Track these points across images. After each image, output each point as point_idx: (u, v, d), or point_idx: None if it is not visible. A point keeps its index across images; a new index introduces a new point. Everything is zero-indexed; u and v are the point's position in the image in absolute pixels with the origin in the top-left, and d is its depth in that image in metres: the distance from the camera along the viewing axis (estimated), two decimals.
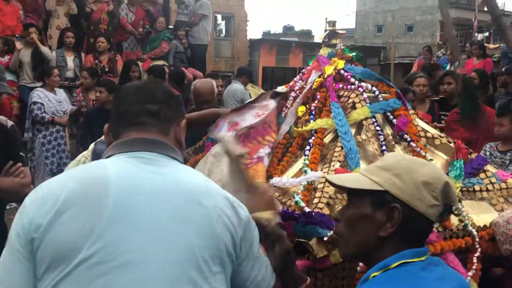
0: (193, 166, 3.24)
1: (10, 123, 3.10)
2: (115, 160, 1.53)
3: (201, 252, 1.41)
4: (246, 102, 2.94)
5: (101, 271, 1.35)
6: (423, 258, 1.60)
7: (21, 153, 3.14)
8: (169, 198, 1.45)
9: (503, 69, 8.77)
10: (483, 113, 5.55)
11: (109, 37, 9.04)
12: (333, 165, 2.49)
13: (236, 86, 9.22)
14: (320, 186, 2.41)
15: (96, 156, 2.78)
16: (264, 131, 2.81)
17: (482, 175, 2.68)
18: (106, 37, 8.89)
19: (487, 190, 2.62)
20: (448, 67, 10.93)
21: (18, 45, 8.01)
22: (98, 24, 9.15)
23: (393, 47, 16.94)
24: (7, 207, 4.77)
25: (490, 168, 2.76)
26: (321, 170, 2.52)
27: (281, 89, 3.15)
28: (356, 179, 1.65)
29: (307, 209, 2.27)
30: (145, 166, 1.49)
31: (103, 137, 1.98)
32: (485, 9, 37.53)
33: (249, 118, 2.86)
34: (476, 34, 28.22)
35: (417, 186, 1.57)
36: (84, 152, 3.03)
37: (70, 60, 8.62)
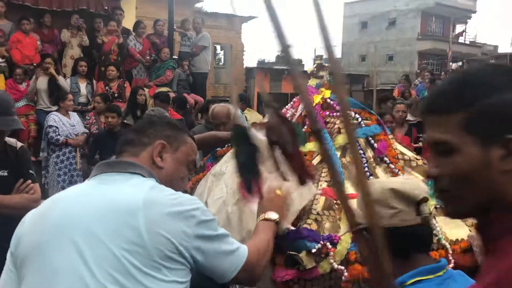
0: (195, 185, 3.26)
1: (19, 144, 3.11)
2: (85, 182, 1.82)
3: (127, 258, 1.49)
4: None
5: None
6: (440, 273, 1.58)
7: (30, 171, 3.13)
8: (101, 212, 1.56)
9: None
10: None
11: (118, 66, 9.11)
12: (321, 185, 2.51)
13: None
14: (308, 203, 2.44)
15: None
16: None
17: None
18: (115, 66, 8.97)
19: None
20: (426, 93, 10.99)
21: (40, 74, 8.07)
22: (109, 54, 9.22)
23: (375, 75, 16.98)
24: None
25: None
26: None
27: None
28: None
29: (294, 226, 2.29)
30: (99, 186, 1.68)
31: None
32: (459, 41, 37.87)
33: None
34: (450, 63, 28.51)
35: None
36: None
37: (83, 86, 8.68)
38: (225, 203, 2.70)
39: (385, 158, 2.75)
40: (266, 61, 34.52)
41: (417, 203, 1.60)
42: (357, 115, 2.91)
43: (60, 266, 1.52)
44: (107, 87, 8.76)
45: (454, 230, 2.55)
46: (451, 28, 39.27)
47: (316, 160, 2.76)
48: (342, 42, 39.94)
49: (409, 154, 2.87)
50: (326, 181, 2.54)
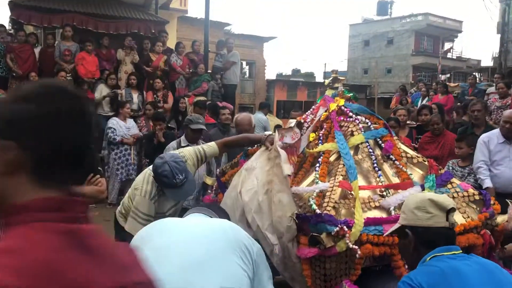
0: (230, 178, 3.28)
1: None
2: None
3: None
4: (291, 124, 2.97)
5: None
6: (452, 252, 1.73)
7: (99, 168, 3.21)
8: None
9: (458, 103, 8.73)
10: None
11: (164, 79, 9.20)
12: (337, 178, 2.51)
13: (260, 115, 9.34)
14: (328, 193, 2.44)
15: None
16: (292, 152, 2.84)
17: (449, 186, 2.67)
18: (161, 78, 9.06)
19: (453, 197, 2.59)
20: (420, 101, 10.85)
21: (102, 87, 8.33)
22: (156, 69, 9.32)
23: (376, 86, 16.86)
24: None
25: (455, 180, 2.75)
26: (328, 182, 2.55)
27: (292, 123, 3.15)
28: (394, 226, 1.94)
29: (318, 211, 2.30)
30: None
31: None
32: (447, 56, 37.16)
33: (288, 137, 2.88)
34: (440, 75, 27.99)
35: (412, 211, 1.77)
36: (147, 168, 3.10)
37: (135, 96, 8.77)
38: (256, 193, 2.72)
39: (391, 156, 2.73)
40: (283, 74, 34.49)
41: (447, 212, 1.78)
42: (367, 120, 2.90)
43: None
44: (155, 96, 8.87)
45: None
46: (440, 45, 38.63)
47: (332, 158, 2.77)
48: (348, 58, 39.60)
49: (411, 152, 2.86)
50: (342, 175, 2.54)
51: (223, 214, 2.12)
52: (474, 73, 14.39)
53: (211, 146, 3.28)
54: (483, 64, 35.49)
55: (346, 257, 2.33)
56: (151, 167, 3.04)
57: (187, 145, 4.83)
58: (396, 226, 1.89)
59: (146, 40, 9.59)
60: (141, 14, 10.17)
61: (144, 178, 3.00)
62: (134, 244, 1.72)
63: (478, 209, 2.62)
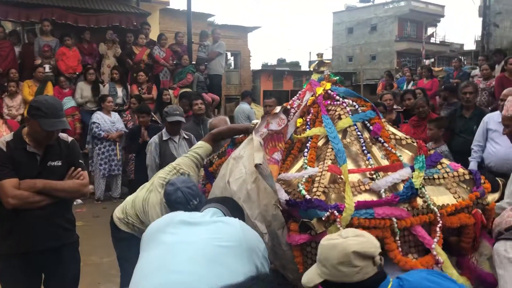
0: (218, 167, 3.22)
1: (70, 138, 3.08)
2: None
3: None
4: (277, 111, 2.89)
5: None
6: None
7: (80, 161, 3.10)
8: None
9: (443, 87, 8.73)
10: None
11: (147, 72, 9.08)
12: (326, 163, 2.46)
13: (244, 106, 9.26)
14: (317, 178, 2.39)
15: None
16: (279, 138, 2.78)
17: (439, 166, 2.63)
18: (145, 72, 8.94)
19: (444, 177, 2.57)
20: (405, 86, 10.87)
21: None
22: (139, 63, 9.19)
23: (361, 73, 16.87)
24: (74, 203, 4.77)
25: (444, 160, 2.72)
26: (317, 167, 2.49)
27: (277, 109, 3.09)
28: (312, 276, 1.72)
29: (308, 196, 2.25)
30: None
31: None
32: (431, 41, 37.38)
33: (274, 124, 2.81)
34: (424, 60, 28.15)
35: (336, 268, 1.61)
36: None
37: (119, 90, 8.67)
38: (245, 181, 2.65)
39: (380, 138, 2.68)
40: (269, 64, 34.36)
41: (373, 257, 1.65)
42: (354, 103, 2.85)
43: None
44: (139, 88, 8.77)
45: (440, 197, 2.50)
46: (423, 30, 38.85)
47: (321, 142, 2.72)
48: (332, 45, 39.65)
49: (400, 134, 2.81)
50: (330, 159, 2.49)
51: (237, 211, 2.20)
52: (459, 57, 14.41)
53: (201, 146, 3.25)
54: (466, 48, 35.81)
55: None
56: (157, 187, 3.01)
57: (169, 138, 4.77)
58: (317, 279, 1.68)
59: (129, 33, 9.45)
60: (122, 6, 10.01)
61: (156, 204, 2.97)
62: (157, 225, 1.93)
63: (468, 188, 2.60)
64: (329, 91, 2.96)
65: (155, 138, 4.83)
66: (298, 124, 2.94)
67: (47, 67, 8.29)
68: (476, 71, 9.99)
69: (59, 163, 2.94)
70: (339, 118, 2.75)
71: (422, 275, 1.70)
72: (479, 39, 26.57)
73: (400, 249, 2.29)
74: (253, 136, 2.73)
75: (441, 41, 39.76)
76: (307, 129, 2.81)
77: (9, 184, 2.73)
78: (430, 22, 40.11)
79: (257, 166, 2.51)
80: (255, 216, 2.45)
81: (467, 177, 2.62)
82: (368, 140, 2.70)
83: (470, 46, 34.41)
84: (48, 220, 2.90)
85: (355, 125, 2.72)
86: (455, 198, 2.51)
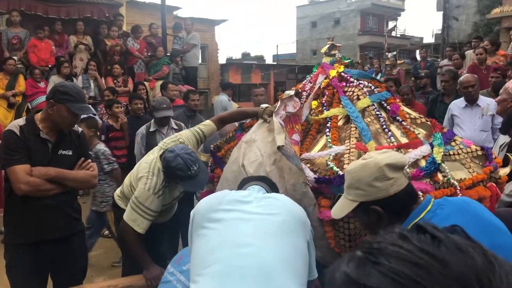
0: (227, 152, 3.23)
1: (80, 129, 3.04)
2: None
3: None
4: (291, 93, 2.91)
5: None
6: (428, 208, 1.60)
7: (89, 152, 3.08)
8: None
9: (423, 73, 9.06)
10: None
11: (122, 64, 8.90)
12: (352, 141, 2.53)
13: (222, 97, 9.20)
14: (346, 155, 2.45)
15: None
16: (295, 120, 2.82)
17: (453, 143, 2.74)
18: (119, 64, 8.76)
19: (458, 154, 2.68)
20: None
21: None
22: (113, 55, 8.99)
23: None
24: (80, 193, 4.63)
25: (457, 138, 2.84)
26: (343, 145, 2.56)
27: (291, 92, 3.12)
28: (342, 206, 1.73)
29: (341, 172, 2.31)
30: None
31: None
32: (392, 34, 38.31)
33: (290, 106, 2.86)
34: (386, 53, 28.85)
35: (371, 185, 1.60)
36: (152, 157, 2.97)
37: (92, 83, 8.45)
38: (262, 164, 2.69)
39: (397, 117, 2.77)
40: (233, 58, 34.22)
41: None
42: (370, 84, 2.93)
43: None
44: (115, 81, 8.59)
45: (457, 172, 2.62)
46: (385, 24, 39.83)
47: (340, 122, 2.78)
48: (296, 39, 40.00)
49: (414, 114, 2.91)
50: (355, 137, 2.56)
51: (275, 188, 2.23)
52: (423, 49, 15.00)
53: (207, 125, 3.22)
54: (425, 41, 36.96)
55: None
56: (155, 155, 2.92)
57: (156, 130, 4.72)
58: (350, 205, 1.68)
59: (103, 25, 9.22)
60: None
61: (150, 170, 2.84)
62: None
63: (480, 164, 2.73)
64: (342, 74, 3.03)
65: (142, 129, 4.79)
66: (313, 106, 2.99)
67: (15, 60, 7.98)
68: (445, 61, 10.44)
69: (70, 153, 2.89)
70: (358, 98, 2.82)
71: (466, 199, 1.74)
72: (438, 32, 27.51)
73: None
74: (273, 119, 2.77)
75: (402, 34, 40.89)
76: (325, 111, 2.86)
77: (21, 170, 2.66)
78: (391, 16, 41.17)
79: (279, 148, 2.55)
80: None
81: (479, 153, 2.75)
82: (386, 119, 2.77)
83: (428, 39, 35.54)
84: (57, 210, 2.85)
85: (373, 105, 2.79)
86: (470, 173, 2.63)
